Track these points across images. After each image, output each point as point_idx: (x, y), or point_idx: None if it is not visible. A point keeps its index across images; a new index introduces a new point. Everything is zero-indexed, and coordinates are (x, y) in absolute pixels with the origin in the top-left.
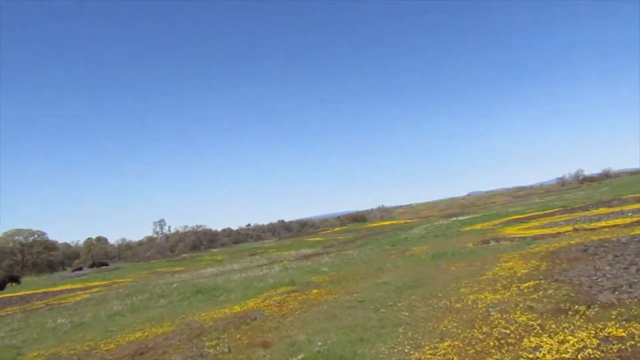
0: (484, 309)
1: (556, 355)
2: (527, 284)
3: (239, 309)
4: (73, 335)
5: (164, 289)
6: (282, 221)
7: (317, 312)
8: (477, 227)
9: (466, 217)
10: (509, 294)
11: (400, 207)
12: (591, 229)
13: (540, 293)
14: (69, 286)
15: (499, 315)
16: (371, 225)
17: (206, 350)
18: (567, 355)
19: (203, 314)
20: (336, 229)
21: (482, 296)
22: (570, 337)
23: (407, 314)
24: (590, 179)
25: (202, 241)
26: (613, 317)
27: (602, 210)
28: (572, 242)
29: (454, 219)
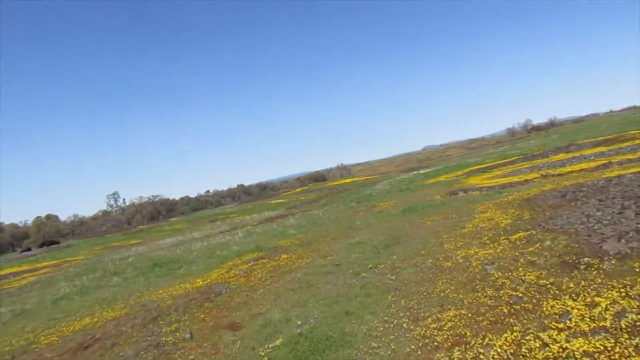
0: (479, 267)
1: (593, 324)
2: (516, 236)
3: (201, 283)
4: (12, 327)
5: (118, 265)
6: (242, 185)
7: (289, 280)
8: (441, 179)
9: (428, 170)
10: (500, 248)
11: (359, 164)
12: (559, 175)
13: (537, 245)
14: (15, 269)
15: (500, 274)
16: (333, 184)
17: (163, 338)
18: (607, 324)
19: (161, 292)
20: (298, 190)
21: (472, 252)
22: (599, 299)
23: (392, 277)
24: (538, 128)
25: (160, 211)
26: (638, 270)
27: (562, 155)
28: (544, 188)
29: (415, 172)
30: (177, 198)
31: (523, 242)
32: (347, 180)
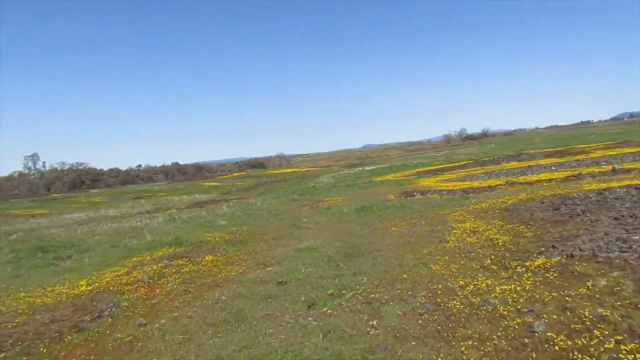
0: (516, 321)
1: None
2: (537, 263)
3: (85, 288)
4: None
5: None
6: (177, 164)
7: (210, 305)
8: (389, 177)
9: (373, 167)
10: (529, 283)
11: (299, 155)
12: (526, 183)
13: (589, 284)
14: None
15: (565, 342)
16: (272, 172)
17: None
18: None
19: (22, 294)
20: (235, 174)
21: (482, 284)
22: None
23: (373, 322)
24: (472, 137)
25: (83, 180)
26: None
27: (515, 164)
28: (520, 197)
29: (360, 168)
30: (105, 169)
31: (555, 274)
32: (288, 170)
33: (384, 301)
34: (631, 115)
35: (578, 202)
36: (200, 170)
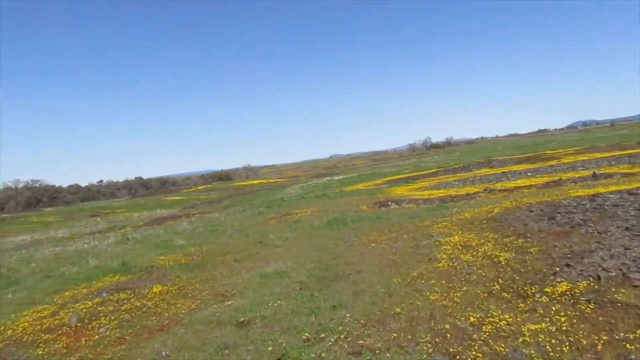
0: None
1: None
2: (560, 289)
3: None
4: None
5: None
6: (140, 178)
7: None
8: (360, 187)
9: (341, 176)
10: (563, 320)
11: (266, 166)
12: (506, 190)
13: None
14: None
15: None
16: (239, 184)
17: None
18: None
19: None
20: (200, 187)
21: (500, 322)
22: None
23: None
24: (436, 146)
25: (39, 198)
26: None
27: (486, 170)
28: (505, 205)
29: (328, 178)
30: (64, 185)
31: (590, 305)
32: (255, 182)
33: (377, 351)
34: (584, 123)
35: (573, 211)
36: (164, 184)
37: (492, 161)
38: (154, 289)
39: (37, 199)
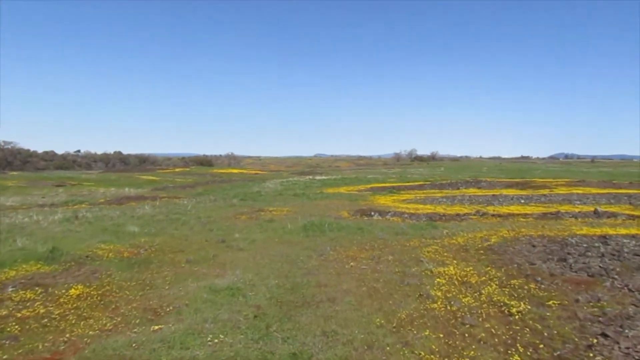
0: None
1: None
2: None
3: None
4: None
5: None
6: (119, 153)
7: None
8: (342, 190)
9: (324, 177)
10: None
11: (249, 157)
12: (499, 215)
13: None
14: None
15: None
16: (218, 171)
17: None
18: None
19: None
20: (177, 170)
21: None
22: None
23: None
24: (420, 159)
25: (10, 161)
26: None
27: (474, 190)
28: (503, 234)
29: (310, 177)
30: (39, 151)
31: None
32: (234, 171)
33: None
34: (566, 156)
35: (587, 254)
36: (143, 162)
37: (480, 182)
38: (72, 291)
39: (8, 161)
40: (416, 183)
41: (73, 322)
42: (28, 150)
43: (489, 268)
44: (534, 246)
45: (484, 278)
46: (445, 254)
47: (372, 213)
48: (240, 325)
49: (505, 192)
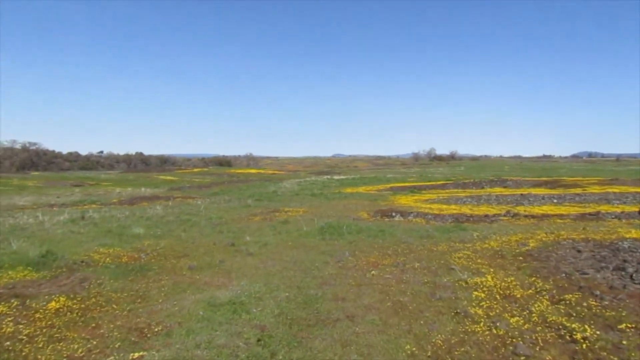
0: None
1: None
2: None
3: None
4: None
5: None
6: (141, 153)
7: None
8: (361, 190)
9: (342, 177)
10: None
11: (267, 157)
12: (532, 216)
13: None
14: None
15: None
16: (235, 171)
17: None
18: None
19: None
20: (195, 170)
21: None
22: None
23: None
24: (440, 158)
25: (34, 162)
26: None
27: (500, 190)
28: (540, 237)
29: (328, 177)
30: (64, 152)
31: None
32: (252, 171)
33: None
34: (589, 154)
35: None
36: (164, 163)
37: (506, 180)
38: (53, 304)
39: (33, 161)
40: (438, 182)
41: (40, 345)
42: (53, 151)
43: (533, 278)
44: (579, 251)
45: (530, 291)
46: (479, 260)
47: (393, 214)
48: (239, 353)
49: (534, 191)
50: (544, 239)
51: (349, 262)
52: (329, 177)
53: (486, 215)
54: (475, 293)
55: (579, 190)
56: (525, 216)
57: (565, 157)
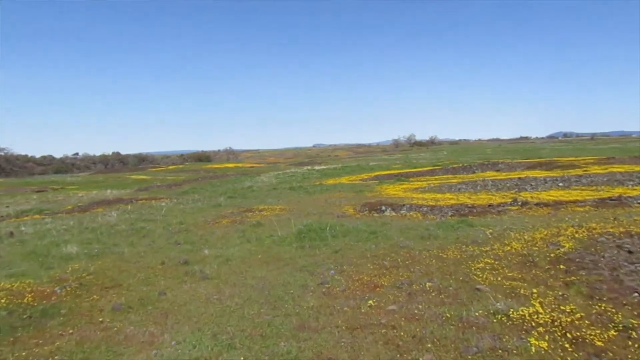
0: None
1: None
2: None
3: None
4: None
5: None
6: (118, 153)
7: None
8: (344, 180)
9: (323, 167)
10: None
11: (248, 151)
12: (545, 204)
13: None
14: None
15: None
16: (213, 166)
17: None
18: None
19: None
20: (170, 167)
21: None
22: None
23: None
24: (420, 144)
25: (3, 167)
26: None
27: (493, 173)
28: (568, 232)
29: (309, 167)
30: (37, 156)
31: None
32: (230, 165)
33: None
34: (565, 134)
35: None
36: (142, 161)
37: (497, 164)
38: None
39: (1, 167)
40: (425, 168)
41: None
42: (26, 155)
43: (599, 304)
44: (630, 252)
45: (612, 333)
46: (508, 272)
47: (383, 207)
48: None
49: (530, 174)
50: (575, 235)
51: (336, 283)
52: (309, 167)
53: (490, 205)
54: (532, 340)
55: (579, 172)
56: (537, 204)
57: (542, 138)
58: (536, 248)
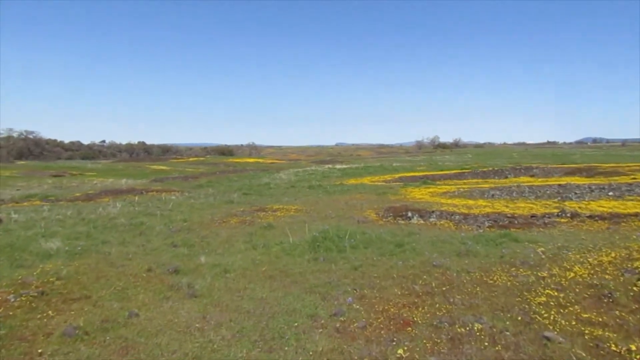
0: None
1: None
2: None
3: None
4: None
5: None
6: (143, 143)
7: None
8: (365, 181)
9: (344, 166)
10: None
11: (271, 147)
12: (602, 218)
13: None
14: None
15: None
16: (233, 160)
17: None
18: None
19: None
20: (191, 159)
21: None
22: None
23: None
24: (443, 146)
25: (32, 150)
26: None
27: (527, 179)
28: None
29: (330, 166)
30: (66, 142)
31: None
32: (250, 160)
33: None
34: (594, 140)
35: None
36: (166, 152)
37: (532, 168)
38: None
39: (30, 150)
40: (452, 171)
41: None
42: (55, 140)
43: None
44: None
45: None
46: (582, 312)
47: (410, 214)
48: None
49: (571, 180)
50: None
51: (354, 315)
52: (330, 166)
53: (533, 216)
54: None
55: (627, 179)
56: (589, 217)
57: (570, 143)
58: (608, 276)
